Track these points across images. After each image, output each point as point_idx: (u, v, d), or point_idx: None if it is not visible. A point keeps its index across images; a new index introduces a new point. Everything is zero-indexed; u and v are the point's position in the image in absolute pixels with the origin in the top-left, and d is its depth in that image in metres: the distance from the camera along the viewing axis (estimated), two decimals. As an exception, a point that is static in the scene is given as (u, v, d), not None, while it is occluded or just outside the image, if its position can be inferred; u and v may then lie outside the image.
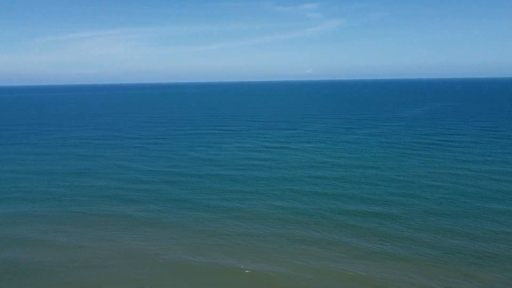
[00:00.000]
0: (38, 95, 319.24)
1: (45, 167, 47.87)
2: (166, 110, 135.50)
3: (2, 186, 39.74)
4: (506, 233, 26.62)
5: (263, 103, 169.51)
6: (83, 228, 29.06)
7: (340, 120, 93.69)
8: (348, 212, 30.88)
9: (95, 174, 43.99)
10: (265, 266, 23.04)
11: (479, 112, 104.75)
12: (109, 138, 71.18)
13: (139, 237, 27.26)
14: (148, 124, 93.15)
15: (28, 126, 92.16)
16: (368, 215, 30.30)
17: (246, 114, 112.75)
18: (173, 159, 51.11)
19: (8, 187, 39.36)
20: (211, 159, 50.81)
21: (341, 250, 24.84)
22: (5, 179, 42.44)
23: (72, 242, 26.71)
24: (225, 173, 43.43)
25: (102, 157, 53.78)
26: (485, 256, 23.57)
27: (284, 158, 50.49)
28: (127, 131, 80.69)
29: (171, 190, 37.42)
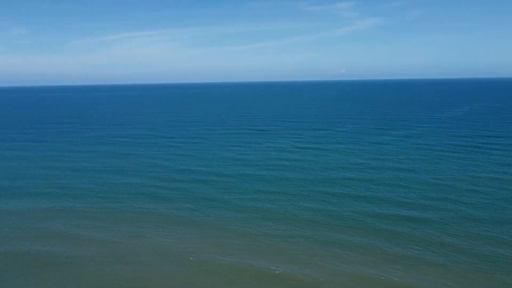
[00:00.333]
0: (81, 95, 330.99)
1: (83, 164, 49.47)
2: (200, 110, 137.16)
3: (43, 182, 41.37)
4: (550, 242, 25.23)
5: (295, 103, 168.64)
6: (118, 224, 29.79)
7: (374, 120, 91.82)
8: (381, 216, 30.16)
9: (130, 172, 45.05)
10: (295, 268, 22.82)
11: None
12: (144, 136, 72.78)
13: (171, 235, 27.66)
14: (182, 123, 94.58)
15: (68, 125, 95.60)
16: (402, 219, 29.47)
17: (278, 114, 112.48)
18: (205, 159, 51.63)
19: (48, 183, 40.93)
20: (243, 159, 50.96)
21: (373, 254, 24.27)
22: (45, 175, 44.15)
23: (106, 237, 27.43)
24: (256, 173, 43.44)
25: (137, 155, 55.04)
26: (527, 266, 22.42)
27: (316, 159, 49.96)
28: (161, 130, 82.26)
29: (203, 189, 37.78)
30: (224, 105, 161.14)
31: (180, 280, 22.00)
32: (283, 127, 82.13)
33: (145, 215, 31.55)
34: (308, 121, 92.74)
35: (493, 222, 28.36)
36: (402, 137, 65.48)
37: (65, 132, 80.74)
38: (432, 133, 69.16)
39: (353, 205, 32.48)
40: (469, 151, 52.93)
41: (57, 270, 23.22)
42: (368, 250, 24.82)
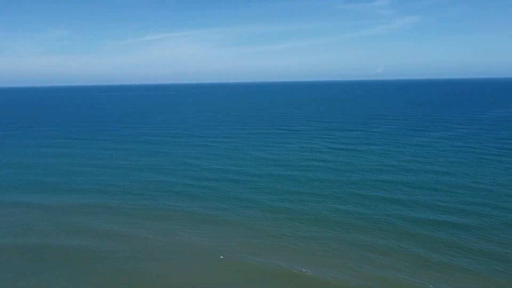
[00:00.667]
0: (118, 94, 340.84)
1: (118, 162, 50.74)
2: (233, 109, 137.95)
3: (79, 179, 42.69)
4: None
5: (329, 103, 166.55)
6: (150, 221, 30.28)
7: (410, 121, 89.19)
8: (416, 220, 29.13)
9: (163, 170, 45.77)
10: (325, 271, 22.37)
11: None
12: (177, 135, 73.91)
13: (202, 233, 27.80)
14: (214, 123, 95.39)
15: (106, 124, 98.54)
16: (439, 224, 28.34)
17: (311, 114, 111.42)
18: (237, 158, 51.75)
19: (84, 180, 42.20)
20: (275, 159, 50.72)
21: (407, 259, 23.44)
22: (82, 173, 45.56)
23: (138, 233, 27.92)
24: (288, 173, 43.09)
25: (170, 153, 55.91)
26: None
27: (349, 160, 49.02)
28: (194, 129, 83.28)
29: (234, 189, 37.83)
30: (259, 105, 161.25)
31: (209, 279, 22.03)
32: (316, 127, 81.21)
33: (177, 212, 31.91)
34: (342, 121, 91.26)
35: (538, 230, 26.78)
36: (441, 139, 63.21)
37: (103, 130, 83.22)
38: (472, 135, 66.40)
39: (387, 208, 31.57)
40: (513, 154, 50.38)
41: (89, 264, 23.81)
42: (402, 254, 24.00)
